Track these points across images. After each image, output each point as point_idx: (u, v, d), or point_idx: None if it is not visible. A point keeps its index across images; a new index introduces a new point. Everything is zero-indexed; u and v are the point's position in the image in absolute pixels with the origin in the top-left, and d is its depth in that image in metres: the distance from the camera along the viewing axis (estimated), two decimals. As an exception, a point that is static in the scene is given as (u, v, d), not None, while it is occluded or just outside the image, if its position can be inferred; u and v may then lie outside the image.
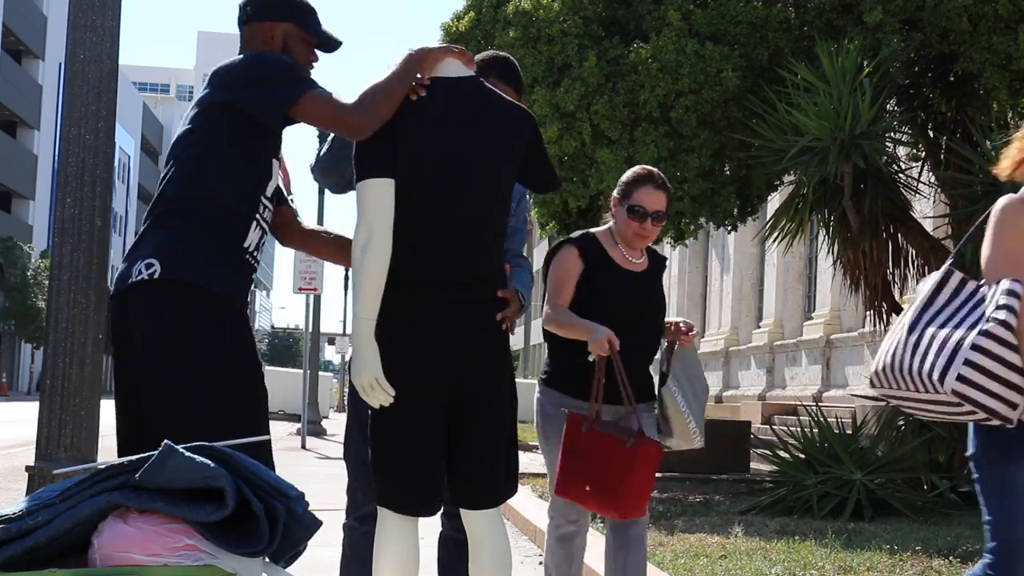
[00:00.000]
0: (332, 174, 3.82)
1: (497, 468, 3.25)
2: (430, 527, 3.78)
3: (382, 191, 3.17)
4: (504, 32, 10.66)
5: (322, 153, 3.83)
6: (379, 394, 3.17)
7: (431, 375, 3.17)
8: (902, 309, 9.97)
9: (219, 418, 3.15)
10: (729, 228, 11.48)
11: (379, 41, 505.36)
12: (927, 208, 13.35)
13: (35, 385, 55.45)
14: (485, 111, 3.29)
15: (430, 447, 3.22)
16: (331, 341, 51.11)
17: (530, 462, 14.54)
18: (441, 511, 3.47)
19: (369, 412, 3.30)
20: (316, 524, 3.37)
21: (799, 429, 9.13)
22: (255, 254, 3.36)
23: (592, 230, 4.30)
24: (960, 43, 9.25)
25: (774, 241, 9.81)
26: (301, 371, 24.51)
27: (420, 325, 3.18)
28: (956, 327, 2.81)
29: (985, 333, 2.73)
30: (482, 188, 3.25)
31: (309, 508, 3.36)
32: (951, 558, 5.90)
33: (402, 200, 3.20)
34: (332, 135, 3.71)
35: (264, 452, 3.20)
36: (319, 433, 20.73)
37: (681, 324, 4.21)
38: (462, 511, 3.31)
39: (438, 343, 3.17)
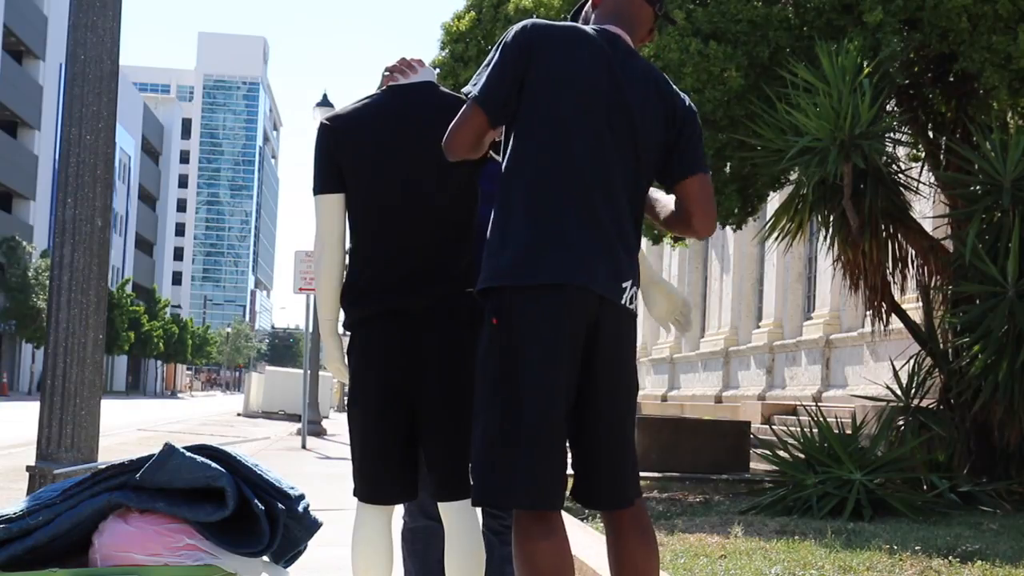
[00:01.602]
0: None
1: (458, 462, 3.34)
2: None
3: (332, 205, 3.42)
4: (505, 31, 10.65)
5: None
6: (344, 378, 3.53)
7: (382, 376, 3.35)
8: (902, 309, 10.00)
9: None
10: (733, 227, 11.49)
11: (380, 41, 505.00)
12: (927, 208, 13.35)
13: (35, 385, 55.42)
14: (431, 113, 3.39)
15: (385, 444, 3.37)
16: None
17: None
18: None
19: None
20: (316, 524, 3.39)
21: (799, 429, 9.12)
22: None
23: None
24: (960, 43, 9.24)
25: (774, 241, 9.80)
26: (301, 371, 24.52)
27: (371, 328, 3.37)
28: None
29: None
30: (428, 191, 3.35)
31: (309, 508, 3.38)
32: (951, 558, 5.90)
33: (354, 210, 3.41)
34: None
35: None
36: (319, 433, 20.74)
37: None
38: (439, 503, 3.41)
39: (388, 346, 3.34)
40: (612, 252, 2.95)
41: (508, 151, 3.01)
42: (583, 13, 3.28)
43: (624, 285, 2.97)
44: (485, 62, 3.06)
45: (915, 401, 9.50)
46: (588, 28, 3.10)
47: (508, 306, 2.88)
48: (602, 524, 6.92)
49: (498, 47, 3.03)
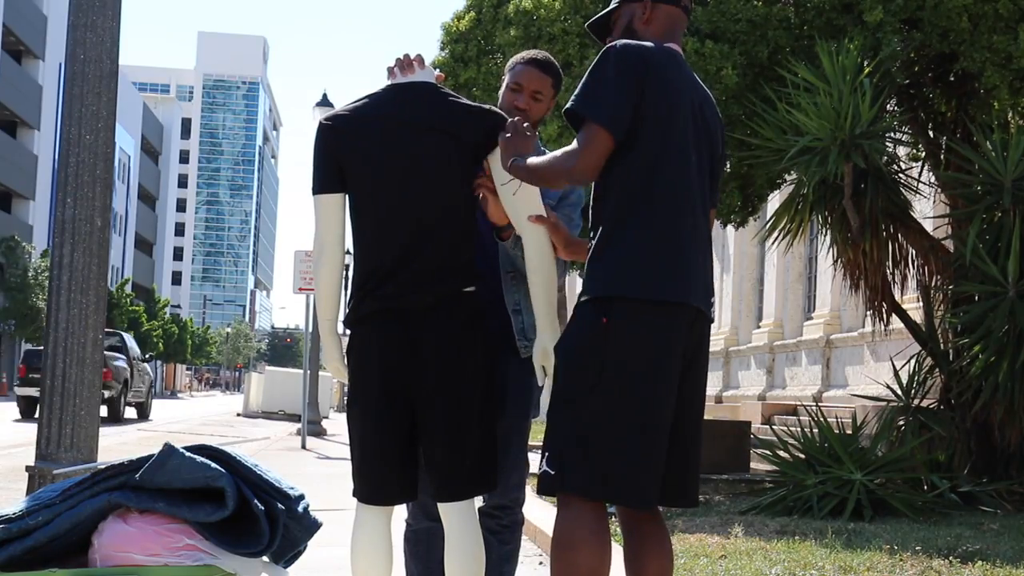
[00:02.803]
0: None
1: (458, 463, 3.33)
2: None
3: (331, 206, 3.42)
4: (505, 31, 10.65)
5: None
6: (343, 378, 3.51)
7: (382, 375, 3.33)
8: (902, 309, 9.99)
9: None
10: (735, 224, 11.49)
11: (380, 41, 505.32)
12: (927, 208, 13.34)
13: (35, 385, 55.36)
14: (431, 111, 3.37)
15: (385, 444, 3.35)
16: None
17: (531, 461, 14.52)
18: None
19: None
20: (316, 524, 3.39)
21: (799, 429, 9.12)
22: None
23: None
24: (960, 43, 9.23)
25: (774, 241, 9.79)
26: (301, 371, 24.51)
27: (371, 327, 3.35)
28: None
29: None
30: (429, 189, 3.34)
31: (309, 508, 3.37)
32: (951, 558, 5.89)
33: (355, 209, 3.41)
34: None
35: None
36: (319, 433, 20.72)
37: None
38: (438, 504, 3.40)
39: (387, 344, 3.32)
40: (707, 267, 3.11)
41: (617, 166, 3.03)
42: (619, 29, 3.25)
43: (712, 300, 3.14)
44: (588, 83, 3.04)
45: (915, 401, 9.49)
46: (667, 47, 3.14)
47: (625, 317, 2.96)
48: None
49: (606, 68, 3.02)
